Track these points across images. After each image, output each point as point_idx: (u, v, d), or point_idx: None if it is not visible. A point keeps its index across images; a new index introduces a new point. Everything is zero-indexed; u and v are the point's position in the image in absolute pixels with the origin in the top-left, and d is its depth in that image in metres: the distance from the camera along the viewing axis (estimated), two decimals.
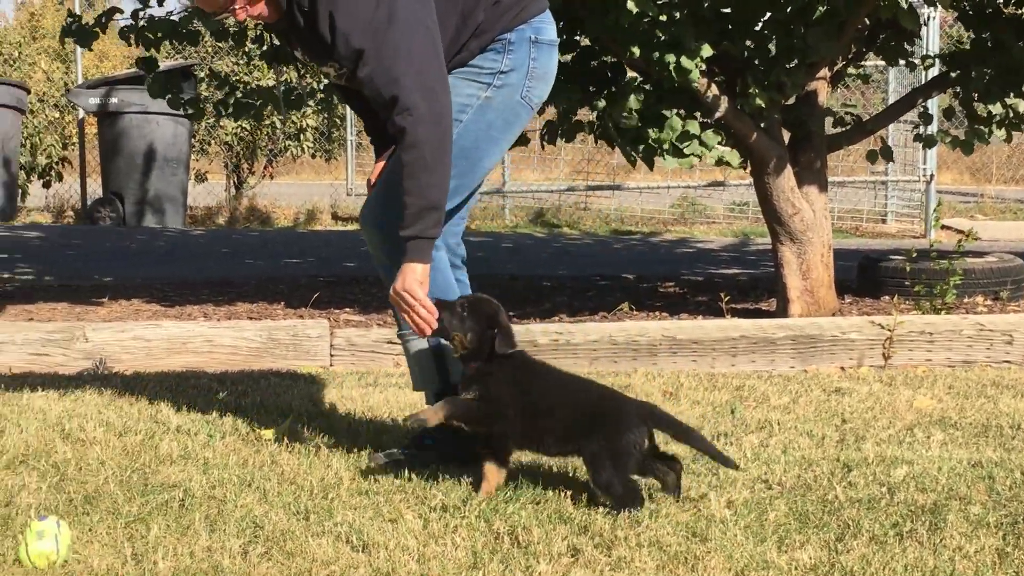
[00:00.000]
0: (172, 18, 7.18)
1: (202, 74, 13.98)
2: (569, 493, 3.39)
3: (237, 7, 3.56)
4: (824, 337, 5.70)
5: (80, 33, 7.09)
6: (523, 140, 7.11)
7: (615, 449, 3.30)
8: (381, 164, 3.86)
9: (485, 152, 3.73)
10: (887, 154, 7.36)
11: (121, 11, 7.10)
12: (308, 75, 16.37)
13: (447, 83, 3.52)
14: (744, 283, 8.18)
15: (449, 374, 3.74)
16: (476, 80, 3.67)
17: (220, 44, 16.41)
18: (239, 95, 7.45)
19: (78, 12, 7.60)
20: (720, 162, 6.40)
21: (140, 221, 14.21)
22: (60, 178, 16.95)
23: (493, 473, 3.43)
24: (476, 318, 3.49)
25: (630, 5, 5.64)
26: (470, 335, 3.47)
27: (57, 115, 17.42)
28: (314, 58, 3.68)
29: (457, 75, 3.67)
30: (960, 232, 7.02)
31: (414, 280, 3.47)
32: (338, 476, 3.55)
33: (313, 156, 18.10)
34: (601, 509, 3.25)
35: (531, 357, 3.58)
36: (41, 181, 16.87)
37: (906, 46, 7.04)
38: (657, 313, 6.90)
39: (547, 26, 3.77)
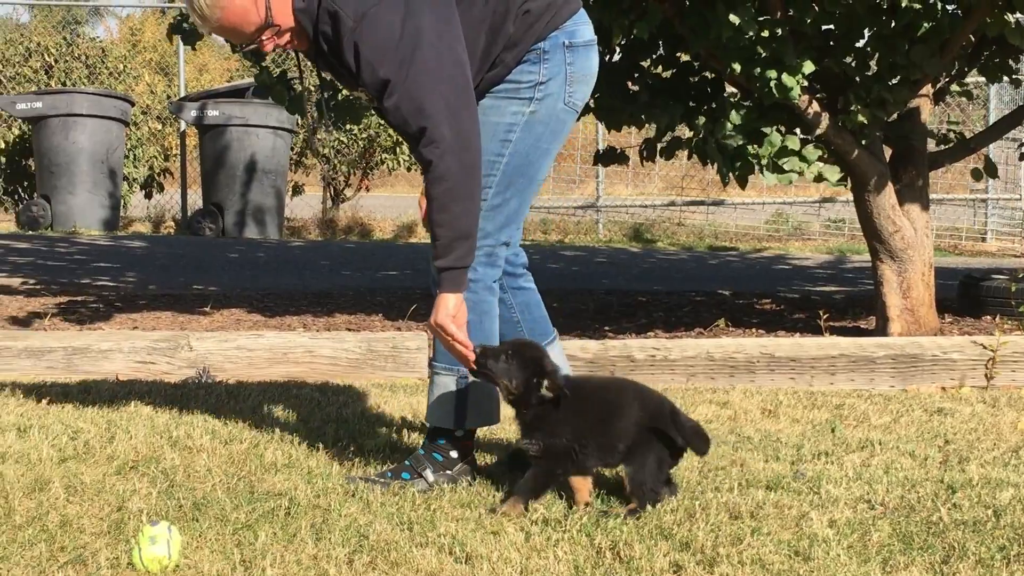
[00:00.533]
0: None
1: (298, 87, 14.14)
2: (670, 509, 3.39)
3: (265, 39, 3.55)
4: (925, 356, 5.64)
5: (189, 30, 7.19)
6: (621, 158, 7.14)
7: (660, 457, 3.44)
8: None
9: (539, 166, 3.73)
10: (991, 171, 7.26)
11: None
12: None
13: (475, 110, 3.49)
14: (841, 301, 8.11)
15: (466, 419, 3.74)
16: (517, 97, 3.65)
17: None
18: (339, 96, 7.53)
19: (186, 13, 7.68)
20: (819, 179, 6.36)
21: (239, 232, 14.43)
22: (161, 189, 17.27)
23: (580, 483, 3.45)
24: (521, 365, 3.48)
25: (732, 18, 5.64)
26: (515, 382, 3.47)
27: (159, 127, 17.75)
28: (345, 84, 3.70)
29: (497, 95, 3.66)
30: None
31: (447, 314, 3.48)
32: (440, 487, 3.59)
33: (408, 169, 18.25)
34: (703, 526, 3.24)
35: (576, 378, 3.58)
36: (143, 192, 17.20)
37: (1011, 63, 6.95)
38: (754, 330, 6.88)
39: (581, 27, 3.73)
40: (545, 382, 3.45)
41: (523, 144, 3.67)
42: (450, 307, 3.48)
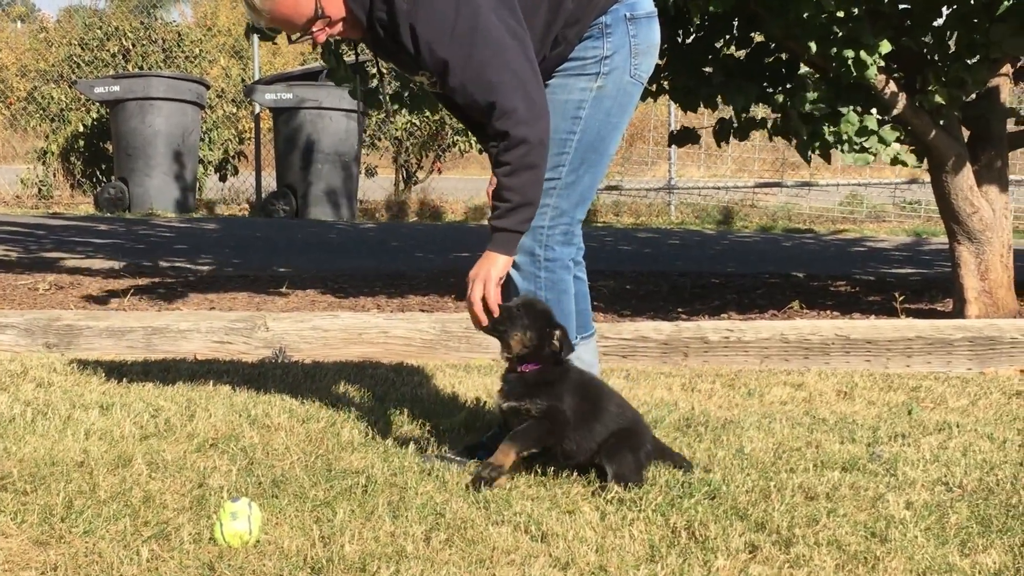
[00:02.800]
0: None
1: (374, 71, 14.23)
2: (745, 489, 3.39)
3: (315, 30, 3.57)
4: (1003, 339, 5.57)
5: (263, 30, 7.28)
6: (694, 138, 7.11)
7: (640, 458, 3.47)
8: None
9: (610, 141, 3.74)
10: None
11: None
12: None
13: (540, 80, 3.50)
14: (918, 283, 8.03)
15: None
16: (583, 73, 3.64)
17: None
18: (413, 87, 7.56)
19: None
20: (895, 161, 6.30)
21: (312, 214, 14.55)
22: (236, 172, 17.45)
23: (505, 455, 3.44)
24: (534, 317, 3.49)
25: (806, 5, 5.60)
26: (530, 333, 3.47)
27: (234, 110, 17.92)
28: (404, 69, 3.69)
29: (563, 74, 3.66)
30: None
31: (497, 272, 3.50)
32: (515, 466, 3.61)
33: (481, 152, 18.28)
34: (779, 507, 3.24)
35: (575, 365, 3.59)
36: (218, 174, 17.39)
37: None
38: (829, 312, 6.83)
39: (637, 3, 3.72)
40: (556, 332, 3.46)
41: (593, 120, 3.68)
42: (499, 267, 3.52)
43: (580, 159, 3.68)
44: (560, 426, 3.45)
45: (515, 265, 3.68)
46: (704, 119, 12.72)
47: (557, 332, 3.48)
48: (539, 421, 3.45)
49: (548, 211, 3.65)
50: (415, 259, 9.71)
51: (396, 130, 17.15)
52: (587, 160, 3.68)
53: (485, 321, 3.51)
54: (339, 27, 3.60)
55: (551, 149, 3.57)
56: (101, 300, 7.12)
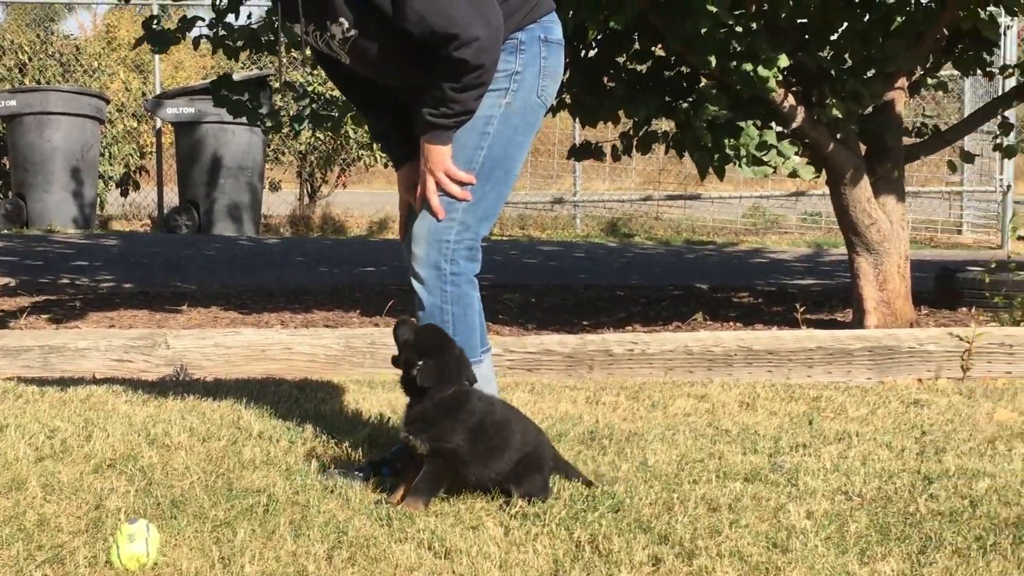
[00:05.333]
0: (252, 26, 7.26)
1: (276, 84, 14.13)
2: (649, 502, 3.40)
3: None
4: (901, 348, 5.66)
5: (158, 38, 7.15)
6: (597, 152, 7.15)
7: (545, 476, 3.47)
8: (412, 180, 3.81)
9: (516, 159, 3.76)
10: (968, 158, 7.30)
11: (203, 19, 7.18)
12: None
13: (495, 3, 3.53)
14: (818, 294, 8.14)
15: None
16: (494, 88, 3.63)
17: (296, 55, 16.56)
18: (314, 106, 7.53)
19: (156, 15, 7.63)
20: (794, 174, 6.39)
21: (215, 229, 14.40)
22: (137, 187, 17.21)
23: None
24: (407, 347, 3.46)
25: (709, 8, 5.65)
26: (403, 357, 3.47)
27: (135, 125, 17.69)
28: (321, 15, 3.57)
29: None
30: None
31: (446, 158, 3.59)
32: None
33: (386, 165, 18.20)
34: (682, 518, 3.25)
35: (474, 391, 3.52)
36: (119, 190, 17.14)
37: (985, 56, 6.98)
38: (732, 323, 6.90)
39: (555, 26, 3.77)
40: (419, 364, 3.40)
41: (501, 136, 3.68)
42: (445, 154, 3.59)
43: (487, 175, 3.68)
44: (453, 464, 3.39)
45: (420, 279, 3.67)
46: (608, 133, 12.82)
47: (420, 364, 3.41)
48: (433, 465, 3.38)
49: (454, 226, 3.65)
50: (319, 274, 9.64)
51: (300, 144, 17.04)
52: (493, 177, 3.69)
53: (462, 194, 3.59)
54: None
55: (458, 163, 3.59)
56: None
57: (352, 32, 3.56)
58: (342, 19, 3.55)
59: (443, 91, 3.53)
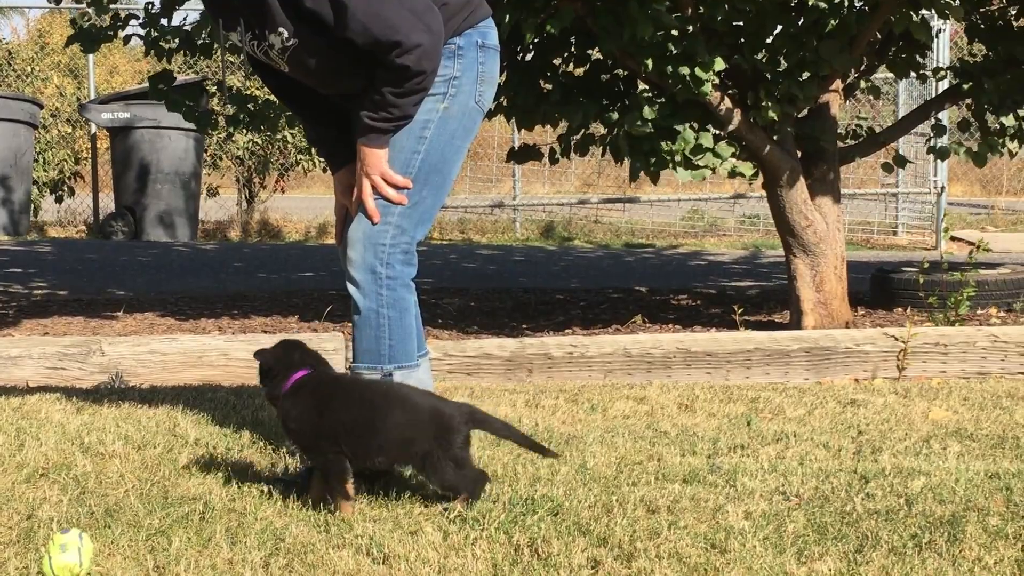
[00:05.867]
0: (185, 28, 7.19)
1: (212, 89, 14.03)
2: (588, 504, 3.40)
3: None
4: (838, 349, 5.70)
5: (87, 36, 7.05)
6: (535, 155, 7.15)
7: (449, 457, 3.34)
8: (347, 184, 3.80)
9: (453, 163, 3.76)
10: (900, 162, 7.38)
11: (137, 17, 7.08)
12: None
13: (433, 7, 3.54)
14: (757, 296, 8.19)
15: None
16: (432, 93, 3.64)
17: (231, 60, 16.46)
18: (251, 108, 7.47)
19: (84, 16, 7.53)
20: (733, 174, 6.42)
21: (152, 235, 14.26)
22: (72, 193, 17.02)
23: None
24: (273, 357, 3.61)
25: (644, 31, 5.67)
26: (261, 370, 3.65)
27: (69, 130, 17.49)
28: (259, 25, 3.55)
29: None
30: (971, 244, 7.03)
31: (384, 162, 3.60)
32: (357, 489, 3.56)
33: (324, 170, 18.11)
34: (621, 521, 3.25)
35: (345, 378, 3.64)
36: (53, 196, 16.94)
37: (918, 58, 7.06)
38: (670, 326, 6.92)
39: (492, 31, 3.79)
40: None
41: (438, 141, 3.68)
42: (383, 158, 3.60)
43: (424, 180, 3.68)
44: (322, 448, 3.41)
45: (356, 283, 3.66)
46: (547, 136, 12.83)
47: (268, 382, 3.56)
48: (313, 462, 3.45)
49: (390, 230, 3.65)
50: (257, 279, 9.58)
51: (238, 149, 16.92)
52: (430, 181, 3.69)
53: (399, 197, 3.61)
54: None
55: (395, 167, 3.59)
56: None
57: (292, 42, 3.55)
58: (281, 29, 3.53)
59: (383, 96, 3.53)
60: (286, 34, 3.54)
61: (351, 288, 3.69)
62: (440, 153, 3.69)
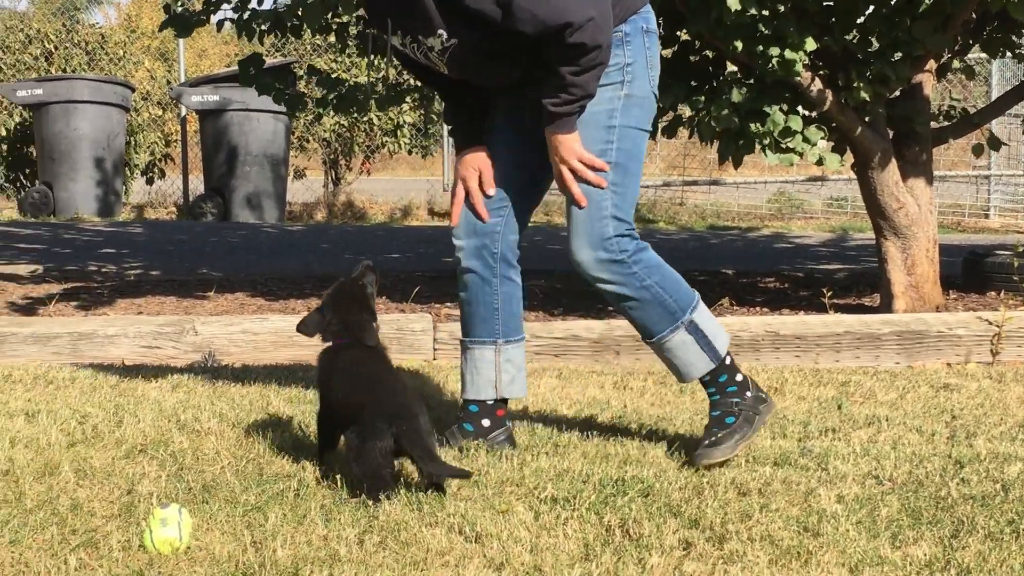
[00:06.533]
0: (278, 9, 7.23)
1: (301, 72, 14.15)
2: (678, 486, 3.40)
3: None
4: (930, 333, 5.64)
5: (180, 21, 7.12)
6: None
7: (362, 448, 3.30)
8: (483, 167, 3.82)
9: (642, 148, 3.76)
10: (995, 144, 7.24)
11: (228, 1, 7.14)
12: (406, 71, 16.54)
13: None
14: (845, 279, 8.11)
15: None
16: (608, 82, 3.63)
17: (319, 42, 16.58)
18: (341, 91, 7.51)
19: (177, 0, 7.58)
20: (820, 161, 6.35)
21: (240, 217, 14.44)
22: (163, 175, 17.28)
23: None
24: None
25: (731, 2, 5.62)
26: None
27: (160, 113, 17.74)
28: (419, 30, 3.59)
29: None
30: None
31: (578, 146, 3.59)
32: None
33: (410, 152, 18.23)
34: (712, 503, 3.25)
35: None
36: (144, 178, 17.20)
37: (1013, 38, 6.93)
38: (758, 308, 6.88)
39: (652, 15, 3.77)
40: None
41: (626, 127, 3.68)
42: (576, 141, 3.59)
43: (624, 168, 3.68)
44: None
45: (606, 280, 3.68)
46: None
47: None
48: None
49: (609, 222, 3.65)
50: (344, 260, 9.65)
51: (324, 131, 17.06)
52: (629, 169, 3.69)
53: (598, 180, 3.60)
54: None
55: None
56: (26, 306, 7.01)
57: (451, 42, 3.57)
58: (440, 31, 3.56)
59: (562, 77, 3.51)
60: (445, 36, 3.56)
61: (603, 287, 3.69)
62: (631, 140, 3.69)
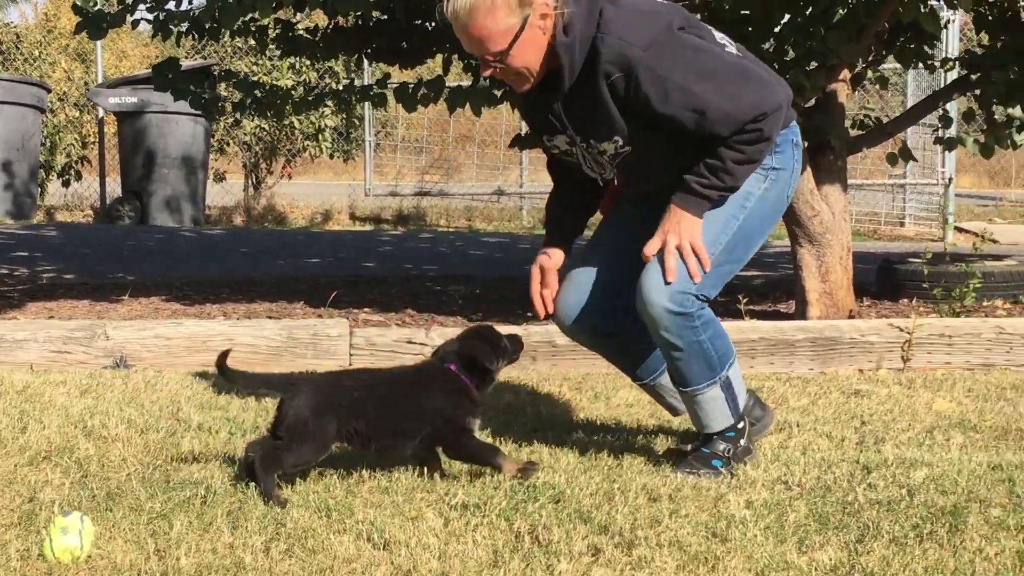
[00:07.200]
0: (193, 12, 7.14)
1: (221, 73, 14.02)
2: (589, 492, 3.40)
3: (491, 60, 3.52)
4: (843, 339, 5.69)
5: (92, 24, 6.97)
6: (531, 142, 7.12)
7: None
8: (549, 267, 3.89)
9: (757, 241, 3.78)
10: (906, 155, 7.34)
11: (144, 1, 7.03)
12: (327, 75, 16.43)
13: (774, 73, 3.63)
14: (762, 285, 8.17)
15: (739, 407, 3.80)
16: (755, 173, 3.67)
17: (240, 45, 16.46)
18: (258, 94, 7.44)
19: (89, 1, 7.41)
20: None
21: (158, 220, 14.27)
22: (79, 177, 17.03)
23: None
24: None
25: None
26: None
27: (77, 114, 17.50)
28: (593, 134, 3.62)
29: None
30: (977, 235, 7.01)
31: (698, 231, 3.58)
32: (359, 475, 3.57)
33: (331, 156, 18.14)
34: (622, 508, 3.25)
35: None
36: (60, 180, 16.96)
37: (926, 49, 7.03)
38: None
39: (799, 131, 3.85)
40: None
41: (755, 214, 3.72)
42: (697, 226, 3.57)
43: (732, 247, 3.70)
44: None
45: (669, 331, 3.62)
46: None
47: None
48: None
49: (691, 296, 3.62)
50: (263, 265, 9.58)
51: (245, 135, 16.92)
52: (737, 249, 3.71)
53: (696, 271, 3.57)
54: (513, 74, 3.56)
55: (713, 225, 3.63)
56: None
57: (625, 148, 3.61)
58: (617, 137, 3.59)
59: (722, 161, 3.54)
60: (621, 142, 3.60)
61: (662, 333, 3.62)
62: (753, 226, 3.72)
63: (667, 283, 3.57)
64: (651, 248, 3.60)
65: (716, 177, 3.56)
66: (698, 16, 5.82)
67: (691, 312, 3.61)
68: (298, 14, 7.99)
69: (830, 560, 2.91)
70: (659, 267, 3.58)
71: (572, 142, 3.67)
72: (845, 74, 6.67)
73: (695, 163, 3.58)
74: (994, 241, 7.08)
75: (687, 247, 3.58)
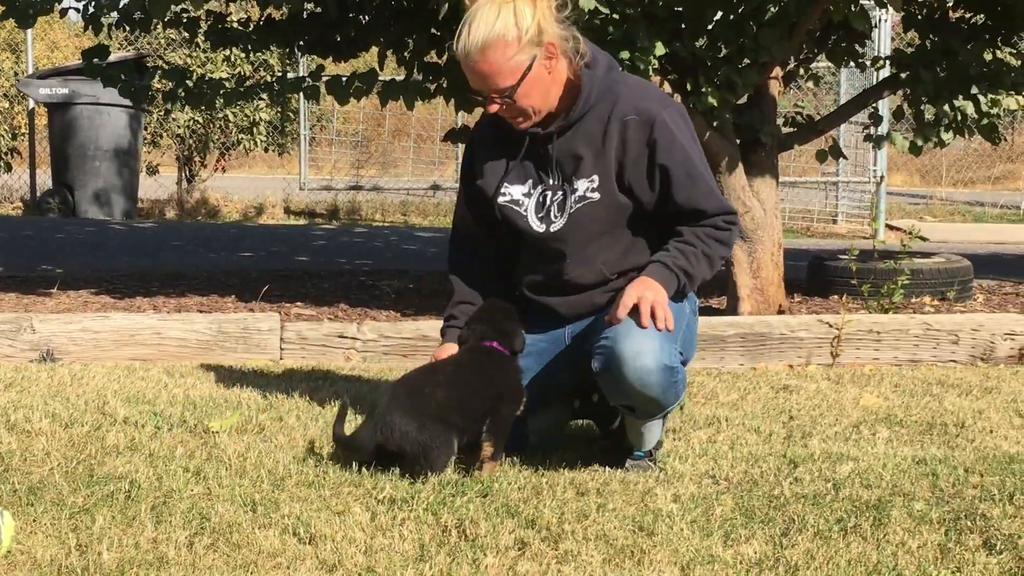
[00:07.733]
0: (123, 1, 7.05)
1: (153, 65, 13.88)
2: (518, 486, 3.40)
3: (495, 98, 3.59)
4: (773, 335, 5.73)
5: (19, 11, 6.84)
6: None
7: None
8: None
9: (692, 351, 3.82)
10: (836, 152, 7.40)
11: None
12: (262, 68, 16.32)
13: None
14: None
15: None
16: (686, 300, 3.77)
17: (174, 36, 16.30)
18: (189, 84, 7.37)
19: None
20: None
21: (89, 213, 14.11)
22: (9, 169, 16.78)
23: None
24: None
25: (584, 3, 5.65)
26: None
27: (7, 105, 17.26)
28: (571, 170, 3.68)
29: None
30: (907, 233, 7.08)
31: (666, 299, 3.56)
32: (286, 469, 3.54)
33: (266, 150, 18.01)
34: (550, 502, 3.25)
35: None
36: None
37: (857, 48, 7.10)
38: None
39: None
40: None
41: (692, 326, 3.81)
42: (663, 298, 3.55)
43: (685, 339, 3.74)
44: None
45: (654, 387, 3.53)
46: None
47: None
48: None
49: (677, 342, 3.61)
50: (195, 258, 9.49)
51: (178, 127, 16.76)
52: (685, 344, 3.73)
53: (670, 323, 3.52)
54: (517, 111, 3.61)
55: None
56: None
57: (594, 195, 3.64)
58: (595, 176, 3.64)
59: (694, 246, 3.63)
60: (597, 182, 3.64)
61: (646, 390, 3.50)
62: (693, 334, 3.81)
63: (649, 337, 3.49)
64: (622, 310, 3.52)
65: (685, 258, 3.62)
66: (630, 11, 5.85)
67: (676, 365, 3.58)
68: (230, 5, 7.93)
69: (755, 553, 2.92)
70: (636, 330, 3.49)
71: (538, 183, 3.72)
72: (777, 71, 6.72)
73: (636, 257, 3.67)
74: (923, 239, 7.15)
75: (661, 303, 3.53)
